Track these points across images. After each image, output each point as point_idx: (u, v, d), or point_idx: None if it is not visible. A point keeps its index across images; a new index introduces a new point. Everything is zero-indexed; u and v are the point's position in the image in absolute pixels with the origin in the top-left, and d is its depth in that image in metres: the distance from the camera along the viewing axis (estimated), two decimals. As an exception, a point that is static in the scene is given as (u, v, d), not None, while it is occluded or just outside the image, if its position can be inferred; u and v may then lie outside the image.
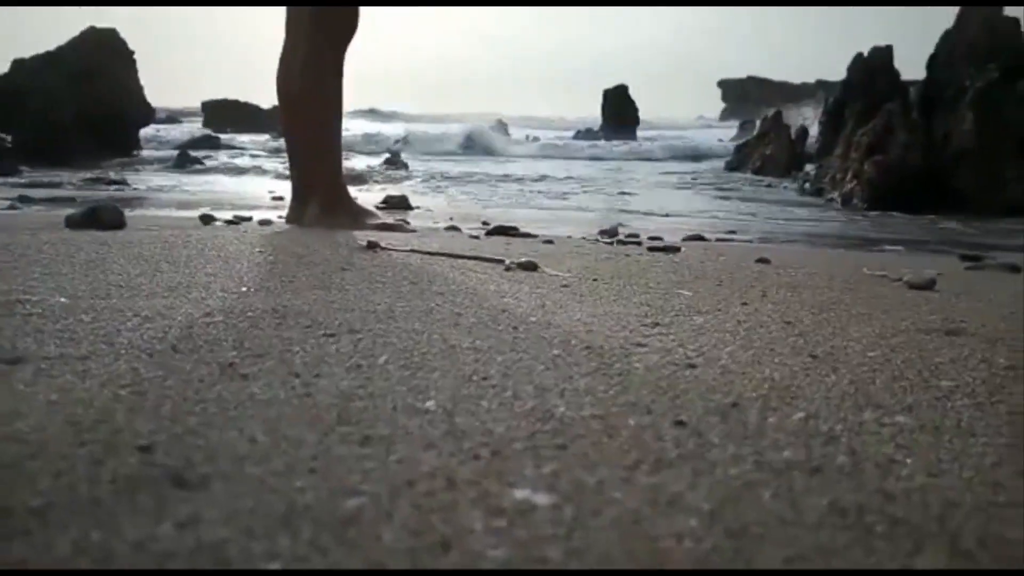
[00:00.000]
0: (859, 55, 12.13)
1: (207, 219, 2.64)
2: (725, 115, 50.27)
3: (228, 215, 3.68)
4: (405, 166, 12.25)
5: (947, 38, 10.62)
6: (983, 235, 5.69)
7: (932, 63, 10.52)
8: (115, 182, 8.52)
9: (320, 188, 3.02)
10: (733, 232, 4.54)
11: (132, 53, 15.19)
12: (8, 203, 4.67)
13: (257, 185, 9.52)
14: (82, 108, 13.58)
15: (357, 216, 3.02)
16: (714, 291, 1.77)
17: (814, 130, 13.76)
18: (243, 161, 13.12)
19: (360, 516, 0.67)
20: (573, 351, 1.19)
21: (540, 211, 6.21)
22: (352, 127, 23.02)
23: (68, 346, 1.10)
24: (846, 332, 1.42)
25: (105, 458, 0.76)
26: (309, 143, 3.07)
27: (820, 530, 0.68)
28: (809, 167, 12.08)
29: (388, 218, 3.27)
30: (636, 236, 3.35)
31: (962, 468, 0.84)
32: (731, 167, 14.46)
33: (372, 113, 39.06)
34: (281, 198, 6.71)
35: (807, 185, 11.24)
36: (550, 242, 2.66)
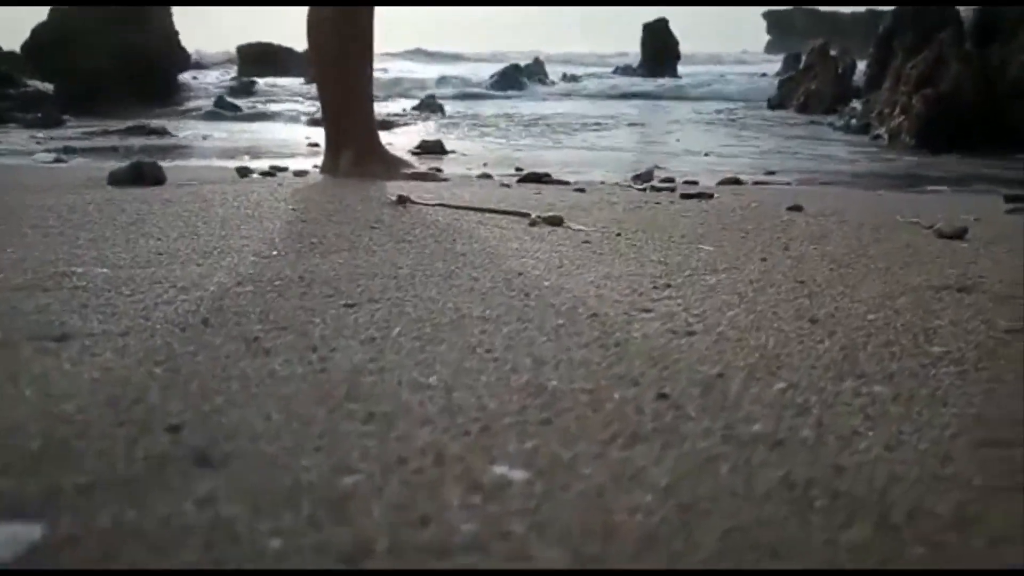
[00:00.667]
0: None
1: (244, 172, 2.69)
2: (770, 48, 48.66)
3: (265, 164, 3.72)
4: (441, 109, 12.16)
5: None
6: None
7: (990, -10, 10.01)
8: (155, 131, 8.62)
9: (353, 139, 3.04)
10: (772, 173, 4.45)
11: (167, -2, 15.17)
12: (54, 156, 4.77)
13: (293, 131, 9.58)
14: (120, 55, 13.68)
15: (391, 166, 3.04)
16: (737, 245, 1.76)
17: (863, 64, 13.26)
18: (279, 107, 13.14)
19: (355, 493, 0.71)
20: (577, 319, 1.21)
21: (576, 151, 6.14)
22: (393, 68, 22.90)
23: (110, 322, 1.16)
24: (856, 291, 1.41)
25: (140, 437, 0.81)
26: (341, 94, 3.08)
27: (765, 504, 0.69)
28: (856, 103, 11.71)
29: (421, 167, 3.29)
30: (671, 181, 3.31)
31: (920, 440, 0.83)
32: (774, 104, 14.06)
33: (418, 53, 38.59)
34: (316, 144, 6.74)
35: (853, 121, 10.92)
36: (581, 190, 2.65)
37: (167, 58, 15.11)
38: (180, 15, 15.69)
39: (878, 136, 9.63)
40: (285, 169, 3.27)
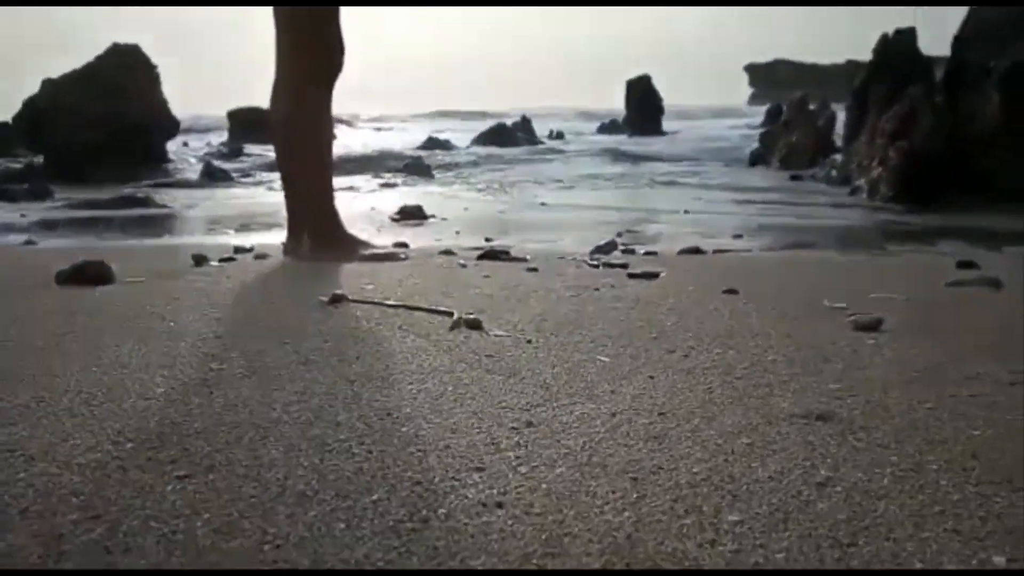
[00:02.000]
0: (884, 36, 11.89)
1: (200, 260, 2.68)
2: (753, 100, 49.57)
3: (237, 240, 3.74)
4: (429, 172, 12.31)
5: (972, 16, 10.36)
6: (1010, 221, 5.54)
7: (957, 43, 10.28)
8: (140, 202, 8.68)
9: (311, 222, 3.06)
10: (739, 236, 4.48)
11: (155, 68, 15.45)
12: (25, 238, 4.73)
13: (278, 196, 9.64)
14: (109, 125, 13.86)
15: (349, 248, 3.05)
16: (640, 350, 1.70)
17: (843, 115, 13.50)
18: (267, 173, 13.27)
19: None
20: (395, 493, 1.12)
21: (557, 213, 6.16)
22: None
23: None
24: (710, 425, 1.33)
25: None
26: (299, 176, 3.12)
27: None
28: (837, 155, 11.89)
29: (382, 246, 3.30)
30: (631, 252, 3.33)
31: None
32: (756, 159, 14.26)
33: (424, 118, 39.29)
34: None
35: (834, 173, 11.06)
36: (534, 269, 2.64)
37: (155, 126, 15.31)
38: (172, 83, 15.94)
39: (858, 188, 9.75)
40: (250, 249, 3.27)
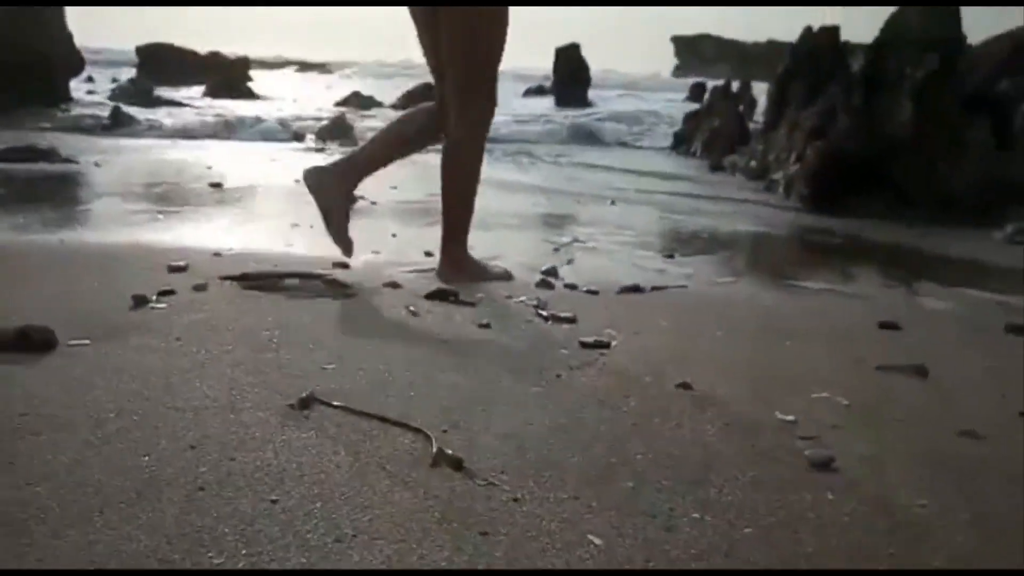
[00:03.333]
0: (807, 29, 12.19)
1: (140, 300, 2.52)
2: (677, 72, 50.24)
3: (164, 247, 3.56)
4: (352, 136, 12.00)
5: (894, 22, 10.71)
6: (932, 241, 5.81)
7: (875, 47, 10.62)
8: (43, 154, 8.12)
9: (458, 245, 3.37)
10: (671, 256, 4.57)
11: (60, -2, 14.37)
12: None
13: (182, 153, 9.22)
14: (6, 58, 12.85)
15: (477, 271, 3.36)
16: (623, 511, 1.52)
17: (763, 98, 13.84)
18: (175, 121, 12.63)
19: None
20: None
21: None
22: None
23: None
24: None
25: None
26: (459, 199, 3.30)
27: None
28: (755, 143, 12.19)
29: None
30: (573, 286, 3.35)
31: None
32: (679, 141, 14.56)
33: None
34: (219, 185, 6.50)
35: (752, 163, 11.35)
36: (487, 326, 2.61)
37: (56, 59, 14.28)
38: (79, 12, 14.88)
39: (774, 182, 10.07)
40: (184, 268, 3.11)
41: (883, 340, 2.82)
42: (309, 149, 10.81)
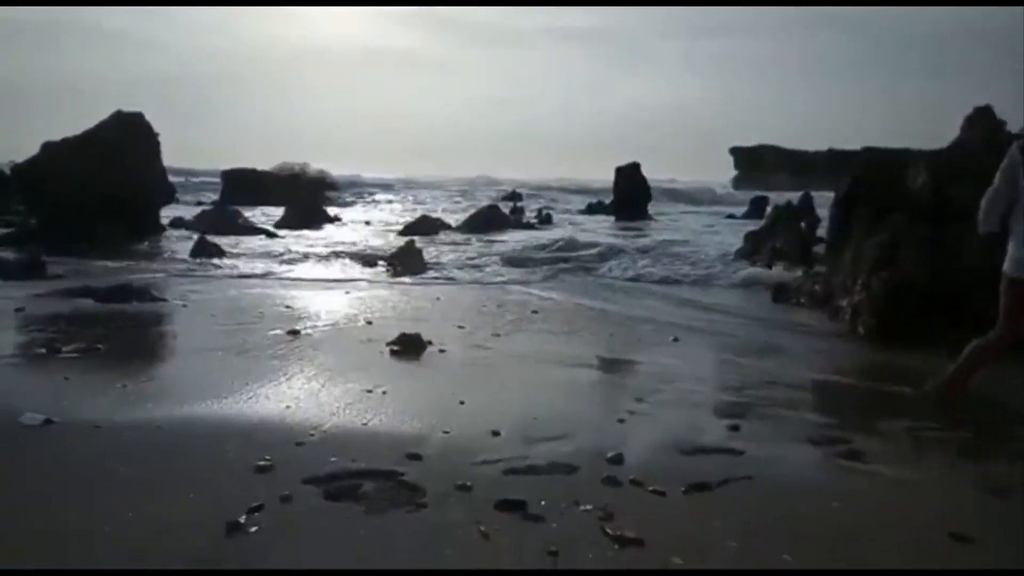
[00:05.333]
0: (868, 152, 12.25)
1: (234, 526, 2.67)
2: (738, 183, 50.61)
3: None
4: (423, 266, 12.47)
5: (958, 144, 10.69)
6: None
7: (939, 175, 10.57)
8: (137, 294, 8.71)
9: None
10: (736, 428, 4.56)
11: (156, 136, 15.64)
12: (43, 419, 4.01)
13: (274, 298, 9.64)
14: (105, 192, 13.95)
15: None
16: None
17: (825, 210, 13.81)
18: (254, 256, 13.31)
19: None
20: None
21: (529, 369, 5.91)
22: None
23: None
24: None
25: None
26: None
27: None
28: (820, 267, 12.12)
29: None
30: (639, 482, 3.36)
31: None
32: (740, 258, 14.63)
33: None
34: (296, 332, 6.80)
35: (817, 288, 11.25)
36: (555, 554, 2.67)
37: (152, 193, 15.45)
38: (171, 141, 16.09)
39: (839, 309, 9.96)
40: (269, 468, 3.25)
41: (954, 554, 2.77)
42: (379, 279, 11.25)
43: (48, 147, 14.70)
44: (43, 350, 5.78)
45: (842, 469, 3.80)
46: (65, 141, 14.74)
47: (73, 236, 12.94)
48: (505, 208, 20.95)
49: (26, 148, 15.12)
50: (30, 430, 3.87)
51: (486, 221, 17.47)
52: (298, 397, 4.72)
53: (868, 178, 11.96)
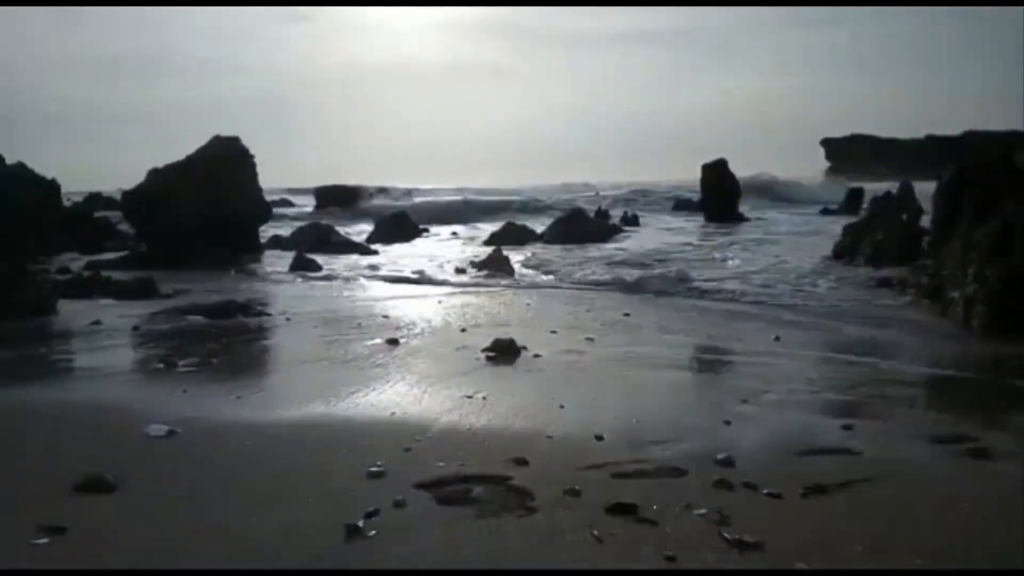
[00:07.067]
0: (970, 136, 11.66)
1: (353, 530, 2.71)
2: (830, 174, 48.88)
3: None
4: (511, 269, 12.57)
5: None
6: None
7: (1055, 157, 9.99)
8: (241, 308, 9.08)
9: None
10: (849, 428, 4.39)
11: (252, 158, 16.33)
12: (167, 430, 4.17)
13: (372, 308, 9.87)
14: (208, 214, 14.66)
15: None
16: None
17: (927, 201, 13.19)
18: (349, 270, 13.69)
19: None
20: None
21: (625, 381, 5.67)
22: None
23: None
24: None
25: None
26: None
27: None
28: (926, 260, 11.58)
29: None
30: (752, 486, 3.25)
31: None
32: (839, 253, 14.09)
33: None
34: (396, 341, 6.96)
35: (924, 280, 10.75)
36: (672, 559, 2.59)
37: (250, 213, 16.13)
38: (269, 156, 16.82)
39: (950, 301, 9.48)
40: (382, 474, 3.32)
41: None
42: (469, 287, 11.38)
43: (154, 173, 15.56)
44: (161, 365, 6.09)
45: (969, 468, 3.61)
46: (169, 167, 15.55)
47: (180, 257, 13.63)
48: (590, 212, 20.87)
49: (133, 175, 16.09)
50: (156, 441, 4.09)
51: (571, 227, 17.43)
52: (402, 404, 4.83)
53: (975, 163, 11.38)
